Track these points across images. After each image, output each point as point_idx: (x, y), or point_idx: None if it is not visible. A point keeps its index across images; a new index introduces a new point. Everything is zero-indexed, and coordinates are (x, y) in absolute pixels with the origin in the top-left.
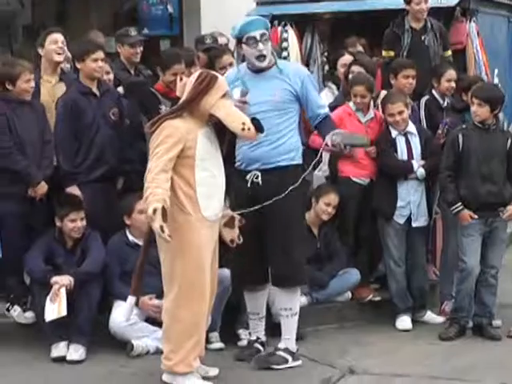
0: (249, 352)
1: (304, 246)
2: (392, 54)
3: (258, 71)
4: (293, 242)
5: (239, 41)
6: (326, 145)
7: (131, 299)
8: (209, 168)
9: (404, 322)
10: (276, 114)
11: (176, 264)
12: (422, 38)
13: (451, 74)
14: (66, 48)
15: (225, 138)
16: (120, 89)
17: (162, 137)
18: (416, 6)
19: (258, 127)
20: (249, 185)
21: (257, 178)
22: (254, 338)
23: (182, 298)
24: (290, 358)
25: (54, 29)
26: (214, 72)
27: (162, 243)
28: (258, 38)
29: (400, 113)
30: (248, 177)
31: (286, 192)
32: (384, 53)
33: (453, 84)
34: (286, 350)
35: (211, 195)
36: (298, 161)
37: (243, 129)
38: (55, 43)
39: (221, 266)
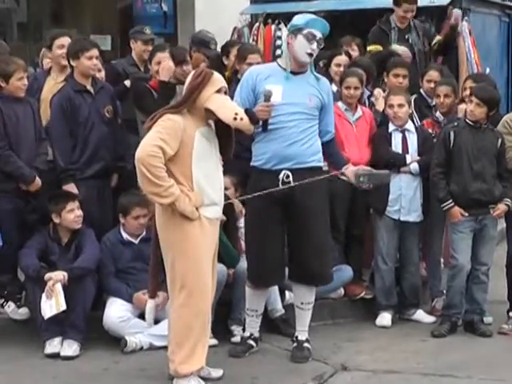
0: (242, 348)
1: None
2: (380, 47)
3: (296, 73)
4: (327, 243)
5: (297, 31)
6: (343, 174)
7: (151, 303)
8: (205, 167)
9: (383, 318)
10: (308, 118)
11: (177, 263)
12: (407, 36)
13: (431, 74)
14: None
15: (231, 137)
16: (127, 82)
17: (160, 127)
18: (402, 13)
19: (252, 118)
20: (280, 185)
21: (287, 177)
22: (247, 334)
23: (185, 296)
24: (310, 347)
25: (60, 32)
26: (209, 69)
27: (164, 241)
28: (318, 38)
29: (400, 105)
30: (280, 177)
31: (304, 181)
32: (371, 47)
33: (432, 85)
34: (308, 340)
35: (208, 193)
36: (322, 162)
37: (235, 118)
38: (62, 48)
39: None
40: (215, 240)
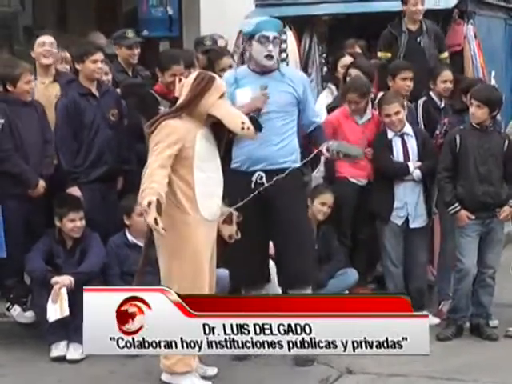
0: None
1: (313, 244)
2: (389, 55)
3: (263, 73)
4: (306, 242)
5: (250, 37)
6: (321, 150)
7: None
8: (207, 168)
9: None
10: (280, 116)
11: (174, 264)
12: (418, 39)
13: (446, 74)
14: (54, 50)
15: (223, 139)
16: (118, 90)
17: (162, 135)
18: (412, 7)
19: (256, 126)
20: (253, 186)
21: (261, 179)
22: None
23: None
24: None
25: (42, 31)
26: (211, 73)
27: (159, 243)
28: (271, 38)
29: (396, 113)
30: (253, 178)
31: (286, 173)
32: (380, 54)
33: (448, 85)
34: None
35: (209, 195)
36: (298, 163)
37: (243, 128)
38: (42, 46)
39: (218, 266)
40: (212, 241)
